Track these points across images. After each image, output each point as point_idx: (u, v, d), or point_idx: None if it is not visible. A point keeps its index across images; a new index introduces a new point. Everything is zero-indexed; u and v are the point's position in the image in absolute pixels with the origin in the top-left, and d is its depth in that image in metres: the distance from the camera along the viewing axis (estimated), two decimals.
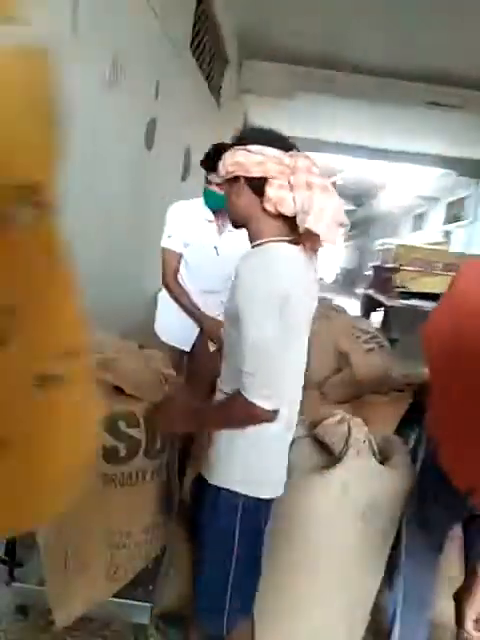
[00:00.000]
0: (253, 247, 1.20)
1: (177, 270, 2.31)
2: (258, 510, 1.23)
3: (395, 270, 8.15)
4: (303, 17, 5.60)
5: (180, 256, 2.30)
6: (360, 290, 13.33)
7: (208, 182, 2.22)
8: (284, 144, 1.15)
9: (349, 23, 5.46)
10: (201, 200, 2.30)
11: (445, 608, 1.58)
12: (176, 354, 2.37)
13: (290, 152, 1.14)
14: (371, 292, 10.03)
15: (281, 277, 1.08)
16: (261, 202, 1.15)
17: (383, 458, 1.42)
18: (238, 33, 6.63)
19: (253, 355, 1.07)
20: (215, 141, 2.36)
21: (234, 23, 6.37)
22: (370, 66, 6.54)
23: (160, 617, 1.79)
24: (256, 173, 1.12)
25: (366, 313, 9.92)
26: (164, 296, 2.41)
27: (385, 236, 13.61)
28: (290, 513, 1.33)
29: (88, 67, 3.00)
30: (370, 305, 10.13)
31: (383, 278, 9.15)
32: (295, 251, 1.15)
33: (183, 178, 5.12)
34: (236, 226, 1.26)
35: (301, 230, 1.11)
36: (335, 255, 29.27)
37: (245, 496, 1.20)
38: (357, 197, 19.71)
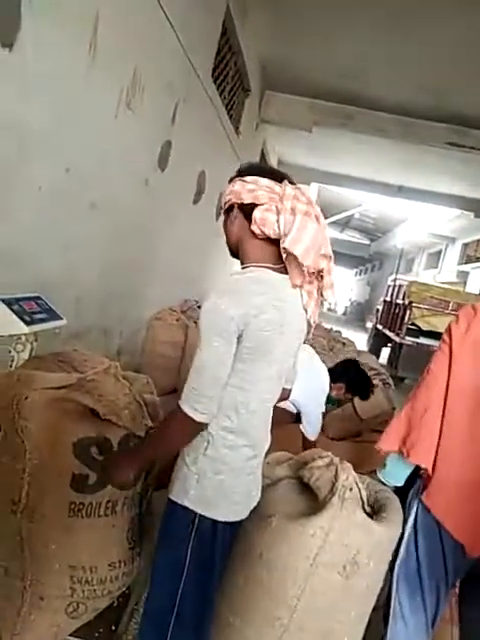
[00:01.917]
0: (240, 270, 1.23)
1: None
2: (213, 532, 1.21)
3: (407, 307, 8.04)
4: (325, 51, 5.68)
5: None
6: (369, 324, 13.21)
7: None
8: (276, 176, 1.21)
9: (370, 59, 5.52)
10: None
11: None
12: None
13: (282, 182, 1.19)
14: (380, 327, 9.91)
15: (244, 302, 1.11)
16: (250, 227, 1.20)
17: (372, 510, 1.31)
18: (261, 64, 6.75)
19: (195, 371, 1.13)
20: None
21: (257, 54, 6.48)
22: (390, 104, 6.59)
23: None
24: (247, 199, 1.19)
25: (374, 348, 9.78)
26: None
27: (399, 272, 13.54)
28: (265, 556, 1.23)
29: (106, 85, 3.03)
30: (379, 340, 10.00)
31: (393, 314, 9.05)
32: (274, 277, 1.18)
33: (195, 201, 5.12)
34: (233, 254, 1.31)
35: (283, 252, 1.16)
36: (346, 287, 29.31)
37: (200, 515, 1.20)
38: (373, 231, 19.78)
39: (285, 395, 1.42)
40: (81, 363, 1.60)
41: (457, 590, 1.57)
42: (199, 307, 1.88)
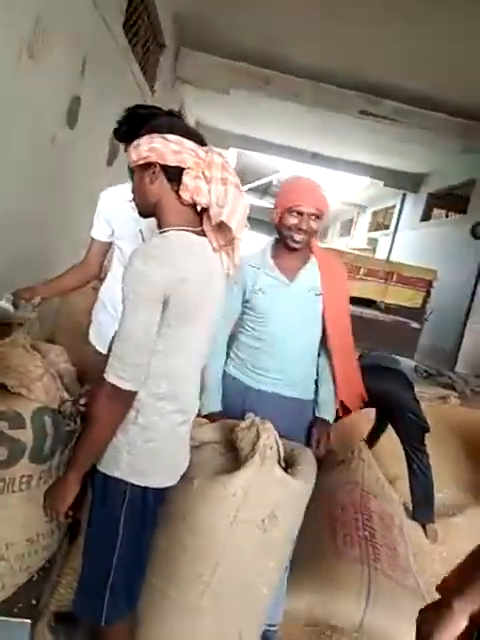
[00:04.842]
0: (160, 234, 1.19)
1: (102, 261, 2.13)
2: (145, 499, 1.22)
3: None
4: (243, 10, 5.54)
5: (108, 245, 2.11)
6: None
7: None
8: (200, 139, 1.20)
9: (288, 23, 5.46)
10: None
11: None
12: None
13: (205, 148, 1.18)
14: None
15: (169, 266, 1.10)
16: (174, 191, 1.18)
17: (287, 464, 1.38)
18: (176, 19, 6.46)
19: (119, 340, 1.11)
20: None
21: (172, 8, 6.19)
22: (306, 69, 6.61)
23: (55, 617, 1.66)
24: (171, 161, 1.15)
25: None
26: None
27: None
28: (189, 519, 1.26)
29: (3, 33, 2.75)
30: None
31: None
32: (197, 241, 1.18)
33: (110, 162, 4.89)
34: (143, 214, 1.27)
35: (214, 222, 1.17)
36: None
37: (131, 484, 1.19)
38: None
39: None
40: None
41: None
42: None
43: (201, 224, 1.21)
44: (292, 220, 1.73)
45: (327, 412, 1.87)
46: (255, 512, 1.20)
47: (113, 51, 4.66)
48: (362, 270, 7.57)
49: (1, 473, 1.28)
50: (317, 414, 1.87)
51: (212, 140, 10.81)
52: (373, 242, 12.71)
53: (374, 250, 12.13)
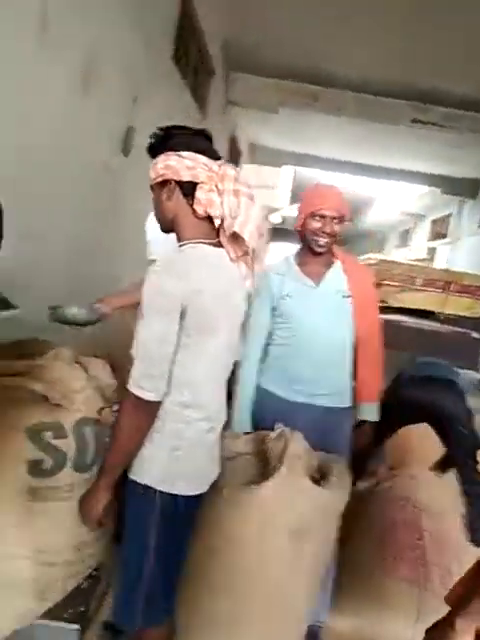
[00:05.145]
0: (177, 248, 1.25)
1: None
2: (175, 506, 1.24)
3: (377, 285, 8.13)
4: (288, 31, 5.65)
5: None
6: None
7: None
8: (213, 154, 1.24)
9: (334, 39, 5.51)
10: None
11: None
12: None
13: (218, 162, 1.23)
14: None
15: (185, 278, 1.14)
16: (190, 205, 1.23)
17: (321, 476, 1.37)
18: (224, 45, 6.67)
19: (137, 352, 1.15)
20: None
21: (220, 35, 6.40)
22: (355, 83, 6.60)
23: (105, 625, 1.72)
24: (186, 177, 1.21)
25: None
26: None
27: (371, 251, 13.67)
28: (219, 529, 1.27)
29: (59, 68, 2.96)
30: None
31: None
32: (213, 252, 1.23)
33: None
34: (164, 230, 1.32)
35: (228, 233, 1.20)
36: None
37: (160, 491, 1.23)
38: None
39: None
40: (38, 350, 1.60)
41: None
42: None
43: (218, 236, 1.25)
44: (315, 224, 1.77)
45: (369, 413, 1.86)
46: (284, 522, 1.20)
47: (164, 81, 4.88)
48: (418, 280, 7.32)
49: (46, 481, 1.36)
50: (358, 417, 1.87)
51: (266, 160, 10.96)
52: (432, 252, 12.31)
53: (432, 259, 11.73)
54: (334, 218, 1.76)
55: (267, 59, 6.59)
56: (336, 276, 1.83)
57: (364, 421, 1.91)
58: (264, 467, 1.35)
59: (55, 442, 1.36)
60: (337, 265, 1.85)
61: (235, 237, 1.22)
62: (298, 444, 1.31)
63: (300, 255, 1.89)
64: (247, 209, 1.19)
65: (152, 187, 1.30)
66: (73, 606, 1.62)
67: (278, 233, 15.99)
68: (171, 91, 5.08)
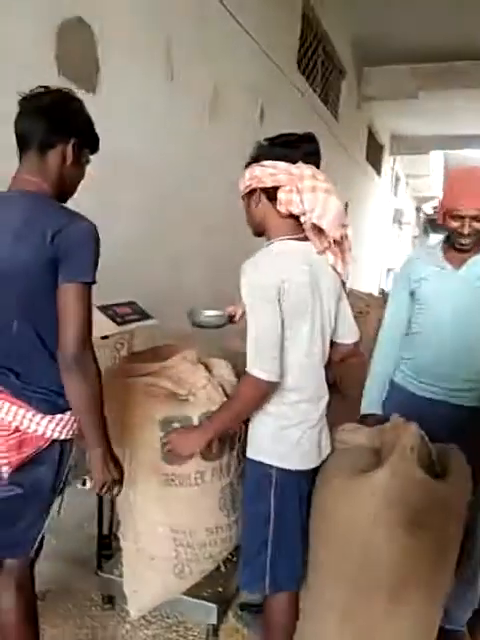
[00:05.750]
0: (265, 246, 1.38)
1: None
2: (290, 481, 1.36)
3: None
4: (417, 12, 5.36)
5: None
6: None
7: None
8: (292, 158, 1.32)
9: (465, 9, 5.08)
10: None
11: None
12: None
13: (297, 164, 1.30)
14: None
15: (272, 271, 1.26)
16: (274, 207, 1.34)
17: (441, 469, 1.30)
18: (354, 42, 6.57)
19: (252, 340, 1.26)
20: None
21: (347, 34, 6.33)
22: None
23: (241, 606, 1.90)
24: (269, 183, 1.32)
25: None
26: None
27: None
28: (331, 518, 1.30)
29: (187, 105, 3.27)
30: None
31: None
32: (299, 246, 1.33)
33: None
34: (256, 233, 1.44)
35: (307, 226, 1.29)
36: None
37: (275, 467, 1.35)
38: None
39: (352, 351, 1.56)
40: (170, 354, 1.81)
41: None
42: None
43: (302, 231, 1.34)
44: (453, 223, 1.65)
45: None
46: (397, 513, 1.17)
47: (289, 91, 5.00)
48: None
49: (177, 469, 1.53)
50: None
51: (410, 148, 10.42)
52: None
53: None
54: (473, 217, 1.60)
55: (400, 46, 6.32)
56: None
57: None
58: (376, 458, 1.34)
59: None
60: None
61: (318, 229, 1.30)
62: (412, 435, 1.28)
63: (446, 245, 1.79)
64: (324, 202, 1.26)
65: (243, 198, 1.42)
66: (212, 586, 1.78)
67: (433, 224, 14.97)
68: (297, 102, 5.18)
